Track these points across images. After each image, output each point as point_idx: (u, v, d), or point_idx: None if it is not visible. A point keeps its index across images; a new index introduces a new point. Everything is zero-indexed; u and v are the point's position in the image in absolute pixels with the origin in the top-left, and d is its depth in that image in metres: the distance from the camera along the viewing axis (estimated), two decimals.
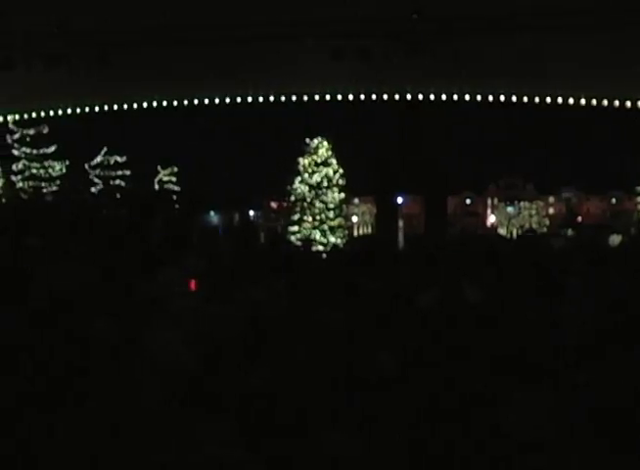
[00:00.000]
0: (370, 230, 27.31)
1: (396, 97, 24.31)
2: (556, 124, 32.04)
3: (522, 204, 46.41)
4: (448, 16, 19.39)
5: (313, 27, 20.13)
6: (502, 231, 43.29)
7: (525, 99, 23.38)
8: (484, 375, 4.69)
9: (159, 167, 35.74)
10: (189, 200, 26.04)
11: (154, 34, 20.70)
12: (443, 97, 23.84)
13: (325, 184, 25.41)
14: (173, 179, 35.14)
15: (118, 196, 30.03)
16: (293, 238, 24.35)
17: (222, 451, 3.38)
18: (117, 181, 34.01)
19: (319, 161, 24.85)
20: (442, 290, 6.68)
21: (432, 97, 23.94)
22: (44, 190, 31.56)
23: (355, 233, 27.36)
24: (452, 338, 5.43)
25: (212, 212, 31.18)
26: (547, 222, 45.65)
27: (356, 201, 37.82)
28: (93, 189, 33.37)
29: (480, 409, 4.25)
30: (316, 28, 20.13)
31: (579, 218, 44.48)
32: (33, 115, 28.47)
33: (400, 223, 26.32)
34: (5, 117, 28.78)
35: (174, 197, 32.21)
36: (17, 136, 31.42)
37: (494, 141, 38.08)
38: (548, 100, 23.20)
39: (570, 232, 35.60)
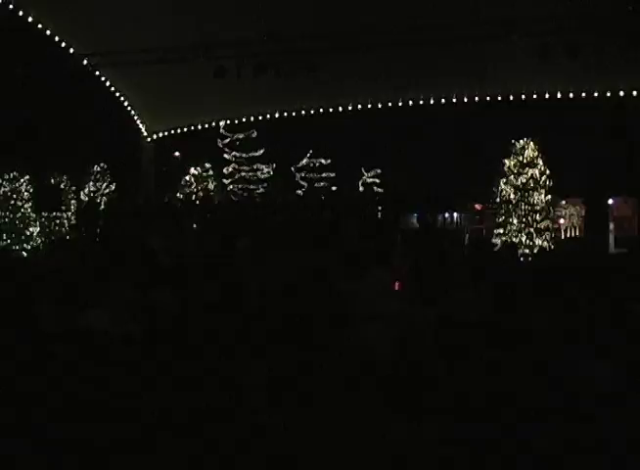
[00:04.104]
0: (578, 233, 26.33)
1: (608, 95, 23.40)
2: None
3: None
4: None
5: (519, 25, 19.71)
6: None
7: None
8: None
9: (362, 169, 36.15)
10: (392, 201, 26.15)
11: (356, 39, 20.98)
12: None
13: (531, 186, 24.74)
14: (377, 181, 35.41)
15: (322, 198, 30.61)
16: (497, 241, 23.89)
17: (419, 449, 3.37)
18: (322, 183, 34.73)
19: (525, 162, 24.21)
20: None
21: None
22: (253, 192, 32.72)
23: (563, 236, 26.42)
24: None
25: (416, 214, 31.14)
26: None
27: (563, 203, 36.66)
28: (299, 191, 34.23)
29: None
30: (522, 26, 19.70)
31: None
32: (243, 120, 29.71)
33: (611, 226, 25.25)
34: (217, 123, 30.18)
35: (378, 198, 32.44)
36: (227, 141, 32.70)
37: None
38: None
39: None
